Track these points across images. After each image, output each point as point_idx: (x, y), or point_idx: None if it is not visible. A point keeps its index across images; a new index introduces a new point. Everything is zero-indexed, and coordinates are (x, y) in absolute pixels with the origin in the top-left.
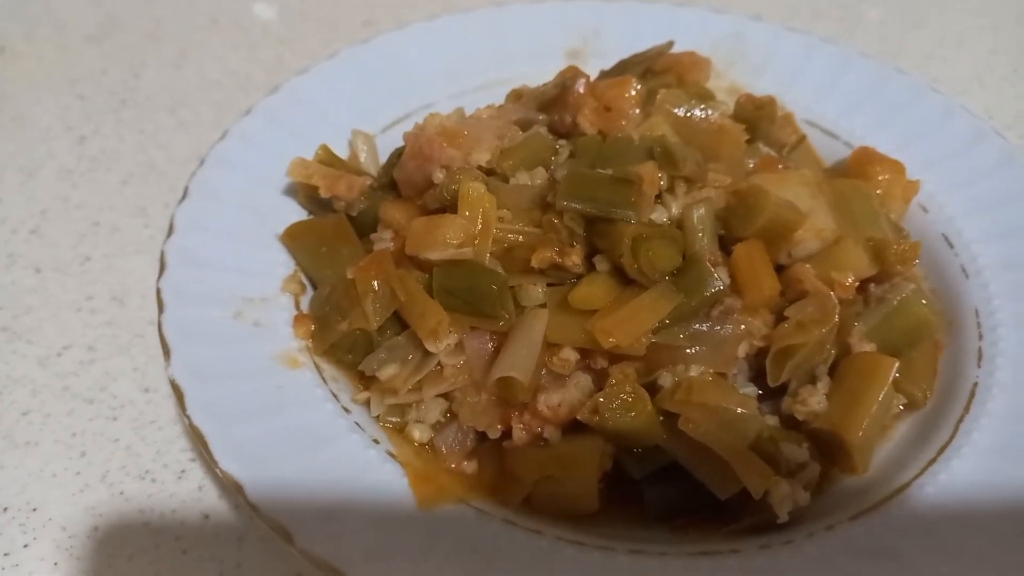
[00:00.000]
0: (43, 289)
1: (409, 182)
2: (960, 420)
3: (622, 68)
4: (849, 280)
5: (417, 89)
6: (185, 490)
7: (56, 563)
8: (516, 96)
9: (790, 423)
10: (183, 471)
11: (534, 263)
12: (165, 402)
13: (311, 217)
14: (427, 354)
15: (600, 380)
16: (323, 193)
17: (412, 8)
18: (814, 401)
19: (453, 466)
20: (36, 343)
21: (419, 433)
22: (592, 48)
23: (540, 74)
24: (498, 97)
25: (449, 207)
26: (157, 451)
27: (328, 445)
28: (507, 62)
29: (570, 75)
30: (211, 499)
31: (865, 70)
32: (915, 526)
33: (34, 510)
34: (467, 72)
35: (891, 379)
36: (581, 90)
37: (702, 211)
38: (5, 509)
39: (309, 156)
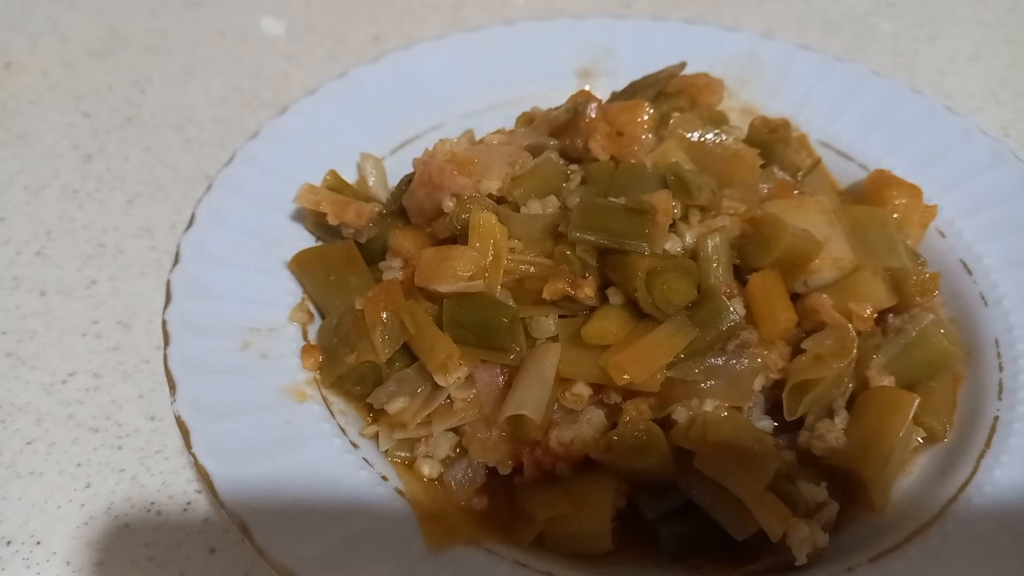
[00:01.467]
0: (48, 313)
1: (419, 210)
2: (981, 456)
3: (634, 90)
4: (867, 312)
5: (427, 109)
6: (191, 523)
7: None
8: (527, 120)
9: (806, 457)
10: (188, 503)
11: (546, 295)
12: (171, 431)
13: (319, 244)
14: (437, 387)
15: (613, 415)
16: (332, 220)
17: (421, 22)
18: (832, 437)
19: (463, 503)
20: (41, 369)
21: (428, 468)
22: (603, 67)
23: (551, 93)
24: (509, 117)
25: (459, 237)
26: (163, 482)
27: (336, 484)
28: (517, 81)
29: (582, 99)
30: (217, 532)
31: (879, 89)
32: (937, 568)
33: (38, 543)
34: (477, 92)
35: (912, 416)
36: (593, 115)
37: (717, 240)
38: (8, 542)
39: (317, 180)
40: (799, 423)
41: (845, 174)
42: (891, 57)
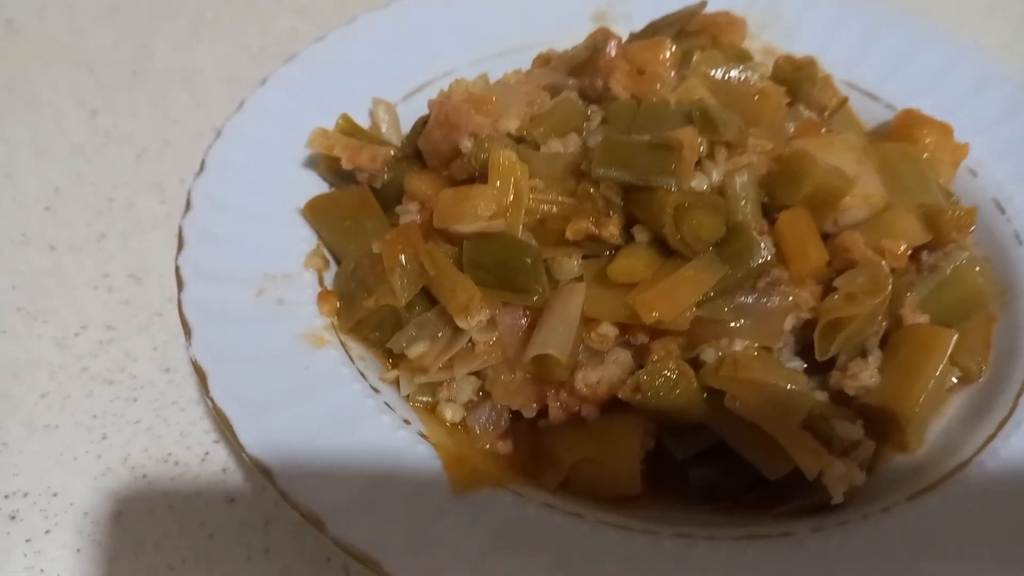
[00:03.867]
0: (58, 268)
1: (435, 152)
2: (1019, 394)
3: (653, 30)
4: (901, 248)
5: (438, 56)
6: (209, 472)
7: (79, 549)
8: (544, 61)
9: (839, 398)
10: (207, 453)
11: (569, 235)
12: (186, 382)
13: (333, 190)
14: (458, 331)
15: (640, 356)
16: (345, 164)
17: None
18: (866, 375)
19: (487, 447)
20: (53, 323)
21: (451, 413)
22: (618, 10)
23: (564, 38)
24: (522, 63)
25: (478, 177)
26: (180, 433)
27: (357, 427)
28: (530, 26)
29: (600, 37)
30: (236, 482)
31: (907, 29)
32: (977, 507)
33: (55, 495)
34: (489, 37)
35: (949, 352)
36: (613, 53)
37: (745, 178)
38: (26, 494)
39: (329, 126)
40: (830, 365)
41: (871, 115)
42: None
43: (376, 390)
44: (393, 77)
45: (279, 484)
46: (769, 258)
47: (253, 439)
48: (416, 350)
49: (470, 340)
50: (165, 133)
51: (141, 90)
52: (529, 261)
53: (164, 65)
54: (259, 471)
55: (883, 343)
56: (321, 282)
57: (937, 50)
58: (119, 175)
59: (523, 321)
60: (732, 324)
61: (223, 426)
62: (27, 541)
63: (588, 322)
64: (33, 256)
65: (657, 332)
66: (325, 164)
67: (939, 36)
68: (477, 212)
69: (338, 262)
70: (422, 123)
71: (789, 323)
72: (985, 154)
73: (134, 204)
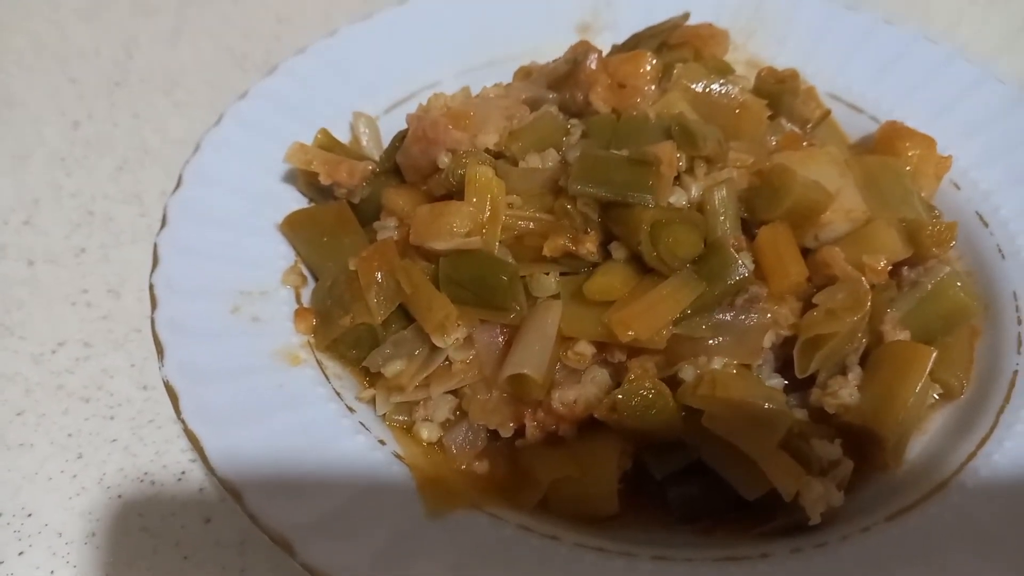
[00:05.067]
0: (36, 282)
1: (413, 167)
2: (1000, 411)
3: (636, 42)
4: (881, 264)
5: (421, 68)
6: (185, 493)
7: (52, 571)
8: (525, 74)
9: (818, 416)
10: (183, 472)
11: (546, 251)
12: (164, 400)
13: (311, 205)
14: (435, 349)
15: (618, 374)
16: (323, 180)
17: None
18: (845, 393)
19: (464, 466)
20: (29, 339)
21: (427, 432)
22: (603, 21)
23: (549, 49)
24: (506, 74)
25: (455, 193)
26: (156, 452)
27: (331, 448)
28: (514, 37)
29: (581, 50)
30: (212, 502)
31: (890, 38)
32: (957, 526)
33: (29, 515)
34: (472, 48)
35: (928, 370)
36: (593, 66)
37: (724, 193)
38: None
39: (308, 140)
40: (810, 382)
41: (855, 127)
42: (904, 4)
43: (352, 409)
44: (375, 90)
45: (249, 506)
46: (747, 275)
47: (224, 460)
48: (393, 368)
49: (447, 358)
50: (145, 143)
51: (122, 97)
52: (506, 278)
53: (145, 70)
54: (229, 493)
55: (864, 360)
56: (298, 299)
57: (921, 59)
58: (99, 187)
59: (500, 339)
60: (710, 342)
61: (194, 447)
62: (0, 563)
63: (565, 340)
64: (11, 269)
65: (634, 350)
66: (303, 179)
67: (924, 44)
68: (453, 229)
69: (316, 279)
70: (400, 138)
71: (768, 340)
72: (971, 161)
73: (113, 217)
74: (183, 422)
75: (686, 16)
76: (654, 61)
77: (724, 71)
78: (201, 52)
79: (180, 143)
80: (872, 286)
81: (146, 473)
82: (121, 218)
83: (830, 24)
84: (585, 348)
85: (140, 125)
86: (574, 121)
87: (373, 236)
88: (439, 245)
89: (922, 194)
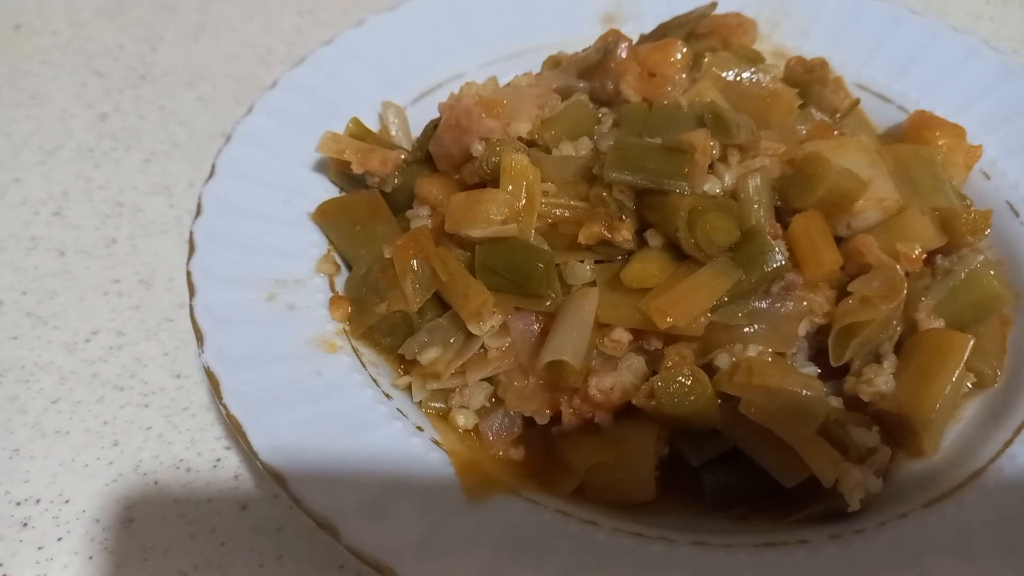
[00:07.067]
0: (67, 273)
1: (446, 155)
2: None
3: (663, 31)
4: (916, 252)
5: (447, 58)
6: (221, 479)
7: (90, 557)
8: (554, 63)
9: (853, 404)
10: (218, 460)
11: (581, 239)
12: (197, 388)
13: (343, 194)
14: (470, 336)
15: (654, 362)
16: (356, 169)
17: None
18: (880, 381)
19: (500, 453)
20: (62, 328)
21: (464, 419)
22: (627, 11)
23: (574, 40)
24: (531, 65)
25: (489, 181)
26: (191, 439)
27: (370, 434)
28: (539, 28)
29: (611, 39)
30: (248, 488)
31: (916, 28)
32: (995, 513)
33: (67, 502)
34: (498, 39)
35: (965, 357)
36: (623, 55)
37: (758, 181)
38: (37, 501)
39: (338, 130)
40: (844, 371)
41: (883, 117)
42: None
43: (388, 396)
44: (402, 80)
45: (292, 490)
46: (783, 262)
47: (265, 446)
48: (428, 356)
49: (482, 346)
50: (173, 136)
51: (148, 91)
52: (542, 266)
53: (169, 65)
54: (272, 478)
55: (898, 348)
56: (332, 287)
57: (948, 49)
58: (127, 179)
59: (536, 327)
60: (746, 329)
61: (235, 432)
62: (39, 548)
63: (601, 327)
64: (42, 261)
65: (671, 338)
66: (335, 168)
67: (951, 34)
68: (489, 216)
69: (349, 267)
70: (432, 127)
71: (803, 328)
72: (1000, 151)
73: (143, 208)
74: (224, 407)
75: (713, 5)
76: (684, 49)
77: (754, 60)
78: (224, 46)
79: (206, 135)
80: (906, 274)
81: (182, 460)
82: (150, 209)
83: (856, 14)
84: (622, 335)
85: (166, 118)
86: (605, 110)
87: (406, 224)
88: (475, 232)
89: (952, 183)
